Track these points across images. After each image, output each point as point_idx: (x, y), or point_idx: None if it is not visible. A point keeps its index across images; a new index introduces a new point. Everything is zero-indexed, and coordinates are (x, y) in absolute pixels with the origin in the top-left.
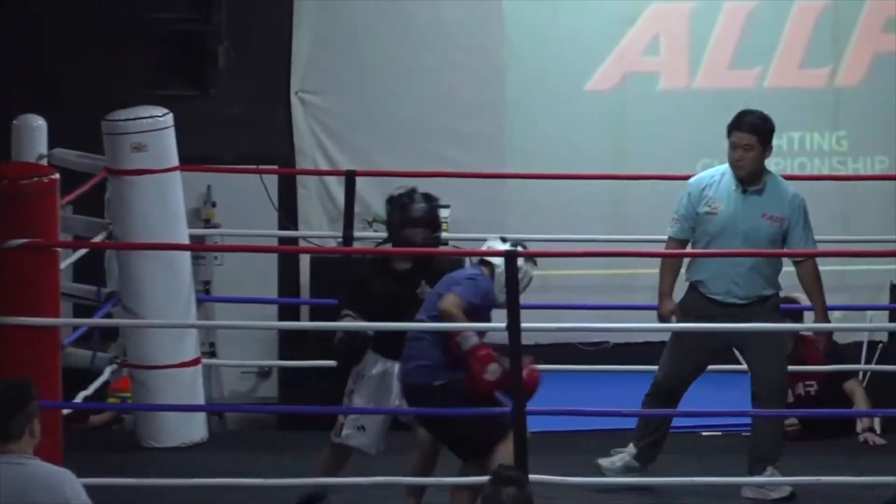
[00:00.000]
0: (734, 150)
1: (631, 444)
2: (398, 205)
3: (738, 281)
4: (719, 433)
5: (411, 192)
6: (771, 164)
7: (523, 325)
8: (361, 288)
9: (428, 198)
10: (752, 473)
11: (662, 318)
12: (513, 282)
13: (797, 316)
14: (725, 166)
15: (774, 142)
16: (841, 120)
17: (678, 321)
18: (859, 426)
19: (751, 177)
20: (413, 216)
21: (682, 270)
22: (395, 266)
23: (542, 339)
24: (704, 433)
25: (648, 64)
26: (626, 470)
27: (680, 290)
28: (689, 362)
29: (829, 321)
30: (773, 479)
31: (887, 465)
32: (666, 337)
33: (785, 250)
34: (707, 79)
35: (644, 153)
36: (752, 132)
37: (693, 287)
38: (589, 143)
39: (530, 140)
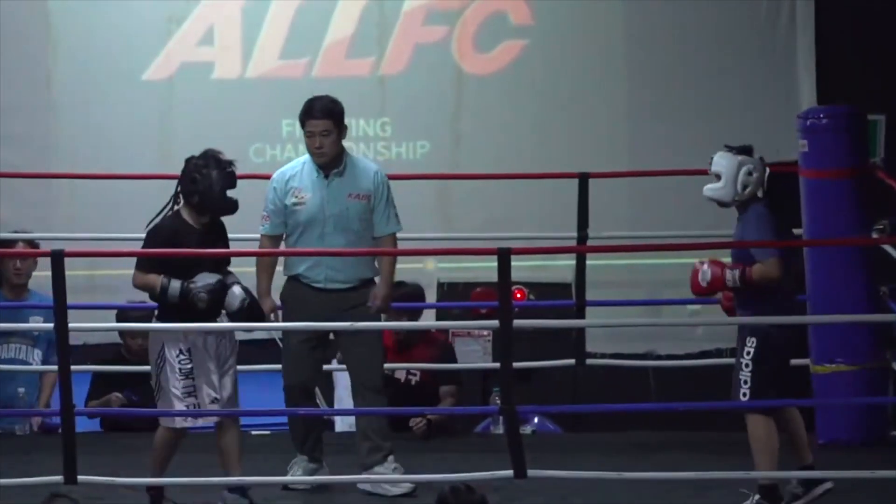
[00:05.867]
0: (312, 137)
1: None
2: (225, 170)
3: (337, 266)
4: (268, 432)
5: (220, 154)
6: None
7: (71, 325)
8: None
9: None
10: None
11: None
12: (59, 282)
13: None
14: (306, 156)
15: None
16: (385, 107)
17: (280, 318)
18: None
19: (332, 161)
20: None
21: (280, 268)
22: (193, 222)
23: (91, 339)
24: (254, 432)
25: (202, 55)
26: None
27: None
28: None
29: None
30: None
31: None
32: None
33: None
34: (258, 69)
35: (195, 144)
36: (327, 117)
37: (292, 279)
38: (139, 140)
39: (78, 139)
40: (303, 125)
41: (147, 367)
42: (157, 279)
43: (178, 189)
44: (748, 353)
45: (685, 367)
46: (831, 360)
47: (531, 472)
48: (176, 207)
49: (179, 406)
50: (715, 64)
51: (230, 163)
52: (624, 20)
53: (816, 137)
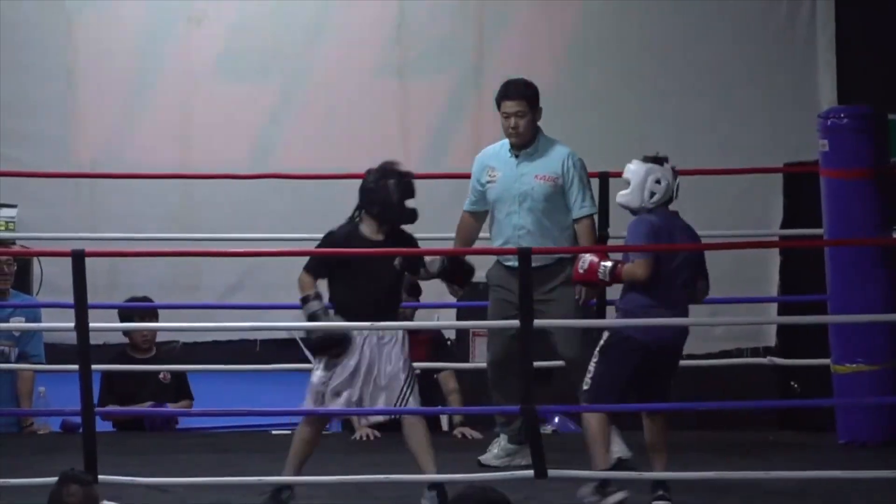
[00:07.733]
0: (507, 118)
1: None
2: (403, 182)
3: (525, 243)
4: (289, 431)
5: (397, 166)
6: None
7: (92, 325)
8: (339, 258)
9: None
10: None
11: None
12: (80, 282)
13: None
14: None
15: None
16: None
17: None
18: (455, 420)
19: (525, 142)
20: (413, 190)
21: None
22: (369, 236)
23: (112, 339)
24: (274, 431)
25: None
26: (507, 454)
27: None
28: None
29: None
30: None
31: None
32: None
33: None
34: None
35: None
36: (521, 98)
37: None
38: (160, 139)
39: (99, 139)
40: (498, 106)
41: (154, 367)
42: (308, 286)
43: (359, 202)
44: (599, 344)
45: (705, 366)
46: (852, 359)
47: (552, 472)
48: (357, 220)
49: (308, 398)
50: (734, 63)
51: (408, 173)
52: (641, 19)
53: (837, 137)
